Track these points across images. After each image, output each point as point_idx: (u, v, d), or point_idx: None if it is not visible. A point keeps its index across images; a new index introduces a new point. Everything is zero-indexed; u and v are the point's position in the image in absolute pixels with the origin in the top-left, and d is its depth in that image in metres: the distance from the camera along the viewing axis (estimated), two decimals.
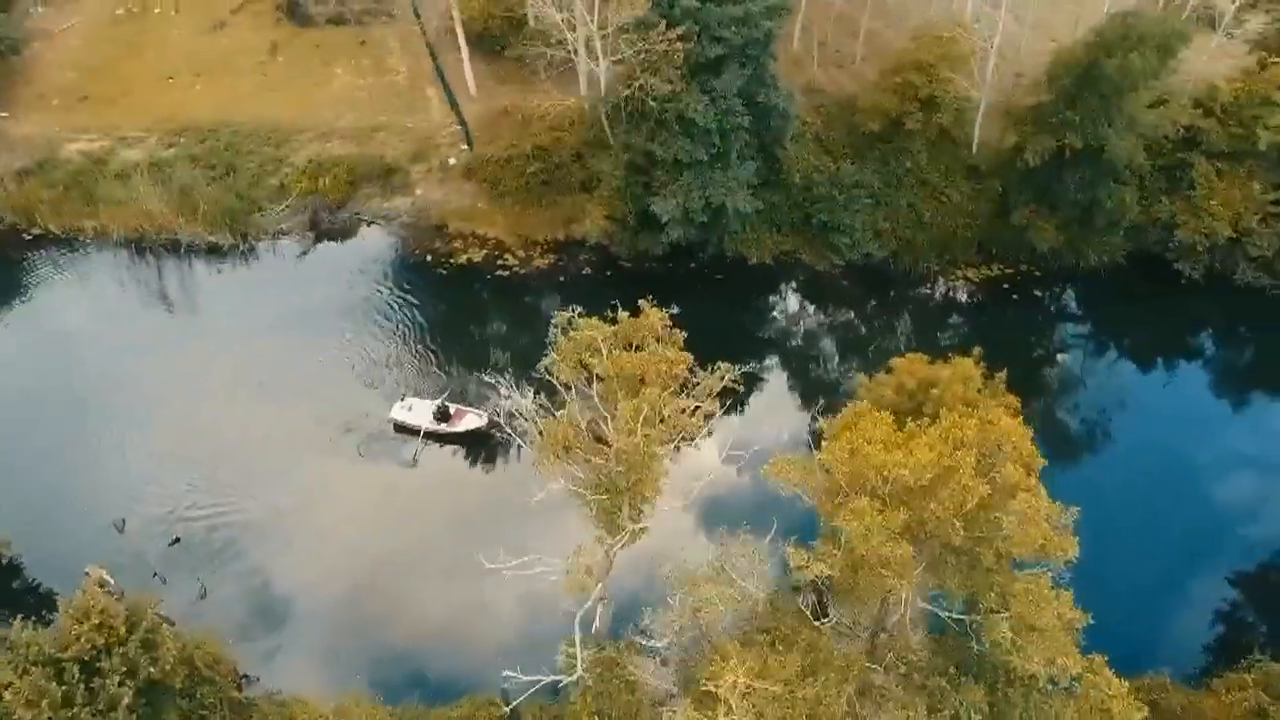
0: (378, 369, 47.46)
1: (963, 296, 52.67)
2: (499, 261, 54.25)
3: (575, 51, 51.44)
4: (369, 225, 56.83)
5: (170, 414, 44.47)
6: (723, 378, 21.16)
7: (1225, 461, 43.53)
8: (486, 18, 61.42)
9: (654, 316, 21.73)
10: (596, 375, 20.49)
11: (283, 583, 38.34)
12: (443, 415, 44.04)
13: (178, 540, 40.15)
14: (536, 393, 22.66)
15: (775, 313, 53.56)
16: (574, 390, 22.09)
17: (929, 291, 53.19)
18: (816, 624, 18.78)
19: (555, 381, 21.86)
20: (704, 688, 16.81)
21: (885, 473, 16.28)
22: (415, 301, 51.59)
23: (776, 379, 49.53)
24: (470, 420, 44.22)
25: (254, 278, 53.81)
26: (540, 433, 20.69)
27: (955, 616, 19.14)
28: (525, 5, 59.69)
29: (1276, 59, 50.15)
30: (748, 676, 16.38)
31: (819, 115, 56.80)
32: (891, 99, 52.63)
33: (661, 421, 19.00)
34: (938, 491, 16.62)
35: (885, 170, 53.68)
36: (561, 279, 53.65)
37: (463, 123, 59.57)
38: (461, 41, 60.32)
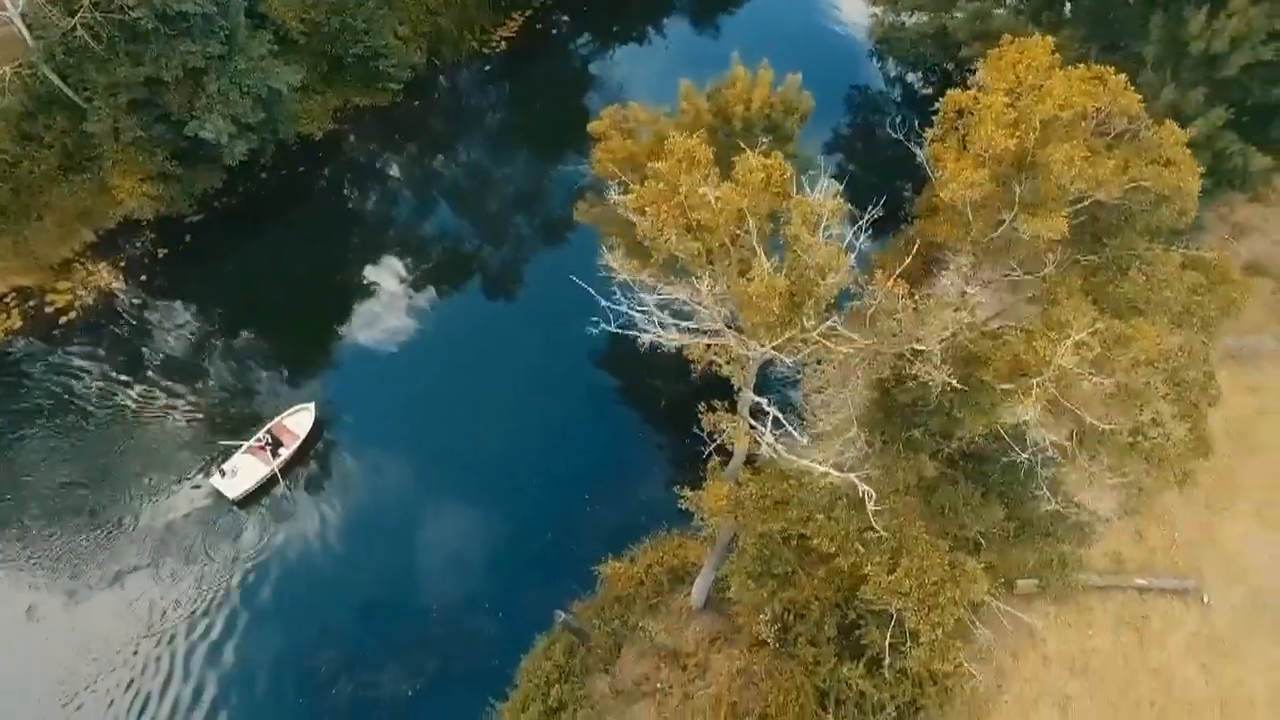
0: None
1: (514, 53, 52.43)
2: (46, 310, 40.81)
3: None
4: None
5: None
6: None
7: None
8: None
9: (697, 150, 19.42)
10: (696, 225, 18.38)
11: None
12: (275, 443, 35.79)
13: None
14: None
15: (390, 172, 48.83)
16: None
17: (489, 68, 52.13)
18: None
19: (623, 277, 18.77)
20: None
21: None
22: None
23: (469, 217, 46.89)
24: (300, 422, 36.66)
25: None
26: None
27: None
28: None
29: None
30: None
31: None
32: None
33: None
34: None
35: None
36: (142, 278, 42.56)
37: None
38: None
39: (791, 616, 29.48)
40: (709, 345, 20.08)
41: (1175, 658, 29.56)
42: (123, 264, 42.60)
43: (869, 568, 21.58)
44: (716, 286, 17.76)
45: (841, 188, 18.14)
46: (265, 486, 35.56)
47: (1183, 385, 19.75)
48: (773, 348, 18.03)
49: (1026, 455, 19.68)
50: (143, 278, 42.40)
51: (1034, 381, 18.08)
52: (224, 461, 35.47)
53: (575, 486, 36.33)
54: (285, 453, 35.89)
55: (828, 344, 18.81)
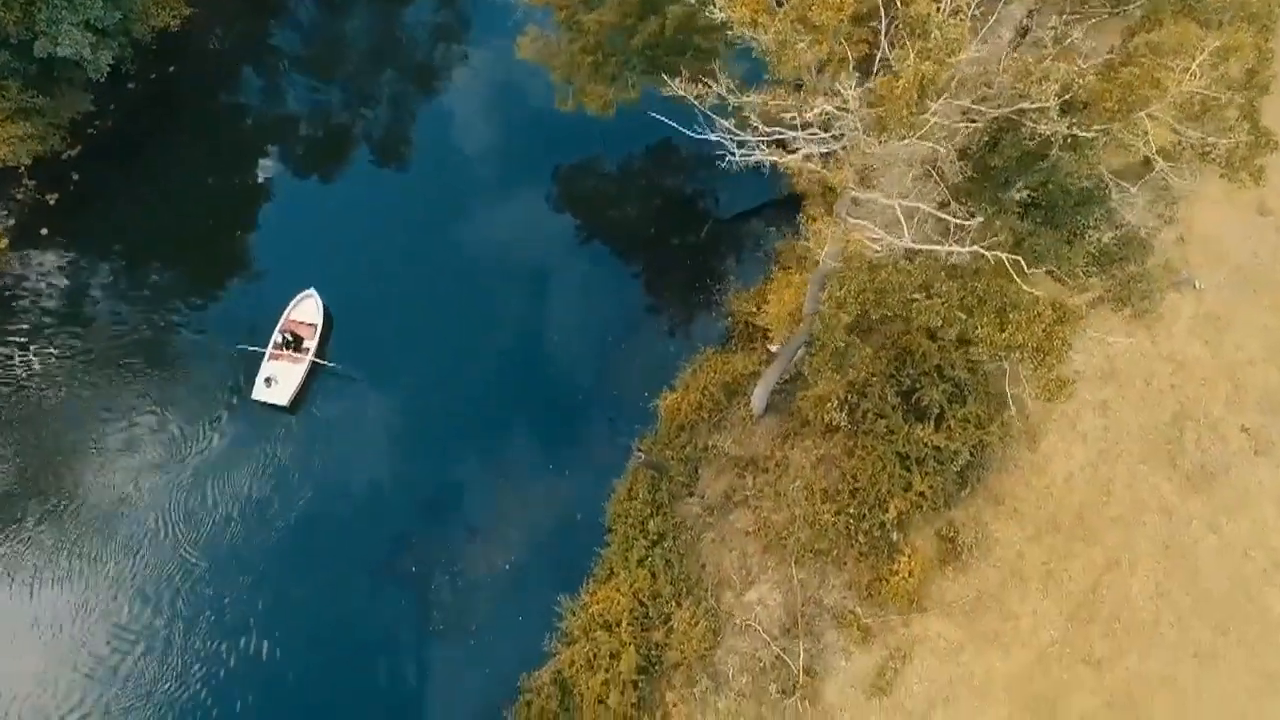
0: None
1: None
2: None
3: None
4: None
5: None
6: None
7: None
8: None
9: None
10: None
11: None
12: (295, 341, 34.07)
13: None
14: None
15: (266, 47, 43.52)
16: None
17: None
18: None
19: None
20: None
21: None
22: None
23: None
24: (308, 310, 34.92)
25: None
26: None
27: None
28: None
29: None
30: None
31: None
32: None
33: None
34: None
35: None
36: (42, 231, 37.60)
37: None
38: None
39: (855, 398, 31.02)
40: (808, 155, 19.73)
41: (1182, 342, 32.86)
42: (13, 222, 37.47)
43: (980, 330, 22.62)
44: (858, 89, 17.23)
45: None
46: (306, 384, 33.82)
47: (1250, 88, 20.86)
48: (913, 137, 17.83)
49: (1129, 188, 20.60)
50: (43, 231, 37.57)
51: (1144, 114, 18.68)
52: (258, 374, 33.49)
53: (596, 332, 35.94)
54: (311, 345, 34.07)
55: (943, 121, 18.70)
